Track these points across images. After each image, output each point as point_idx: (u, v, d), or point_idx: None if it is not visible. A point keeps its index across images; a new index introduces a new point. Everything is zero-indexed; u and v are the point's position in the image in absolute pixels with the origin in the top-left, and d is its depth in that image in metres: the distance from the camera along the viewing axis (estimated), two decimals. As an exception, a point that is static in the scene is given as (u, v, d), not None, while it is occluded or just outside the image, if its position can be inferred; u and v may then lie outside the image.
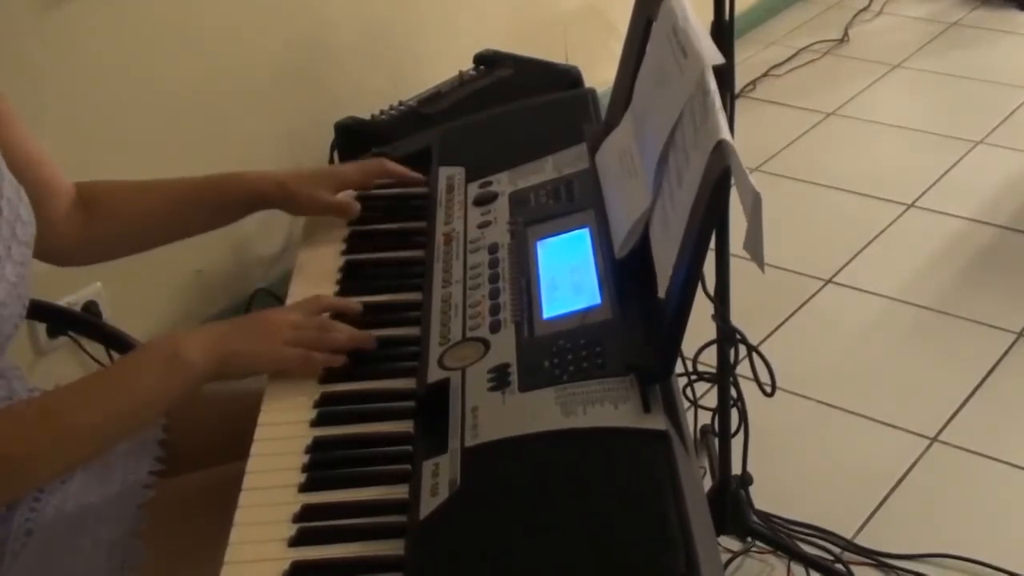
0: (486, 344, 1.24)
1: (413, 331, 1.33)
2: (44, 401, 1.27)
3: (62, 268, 1.56)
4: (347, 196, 1.59)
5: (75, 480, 1.31)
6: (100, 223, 1.50)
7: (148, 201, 1.54)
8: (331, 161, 2.71)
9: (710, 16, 1.77)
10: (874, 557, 2.11)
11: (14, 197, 1.32)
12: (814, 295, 2.86)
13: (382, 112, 2.72)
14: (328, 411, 1.25)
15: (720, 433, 2.04)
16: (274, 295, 2.70)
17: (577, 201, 1.43)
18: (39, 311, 1.76)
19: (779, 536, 2.11)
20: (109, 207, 1.51)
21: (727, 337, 1.92)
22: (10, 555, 1.23)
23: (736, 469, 2.06)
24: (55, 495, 1.29)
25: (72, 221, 1.49)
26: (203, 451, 1.42)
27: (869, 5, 4.40)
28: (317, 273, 1.49)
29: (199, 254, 2.59)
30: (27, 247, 1.33)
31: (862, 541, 2.15)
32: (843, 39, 4.18)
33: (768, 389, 1.87)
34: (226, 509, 1.13)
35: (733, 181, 1.08)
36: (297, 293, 1.46)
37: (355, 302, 1.39)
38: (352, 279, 1.47)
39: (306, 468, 1.17)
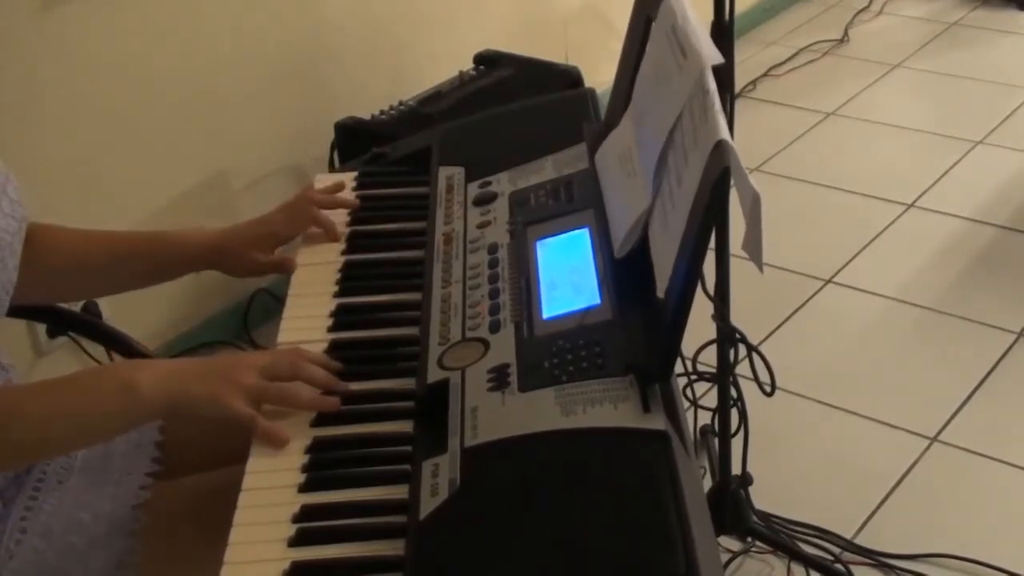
0: (486, 344, 1.24)
1: (413, 331, 1.33)
2: (3, 389, 1.30)
3: None
4: (346, 195, 1.60)
5: (72, 480, 1.31)
6: (35, 265, 1.43)
7: (86, 252, 1.49)
8: (331, 161, 2.71)
9: (710, 16, 1.77)
10: (874, 557, 2.11)
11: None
12: (814, 295, 2.86)
13: (382, 112, 2.72)
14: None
15: (720, 433, 2.04)
16: (274, 295, 2.70)
17: (577, 201, 1.43)
18: (39, 311, 1.76)
19: (779, 536, 2.11)
20: (46, 251, 1.45)
21: (727, 337, 1.92)
22: (5, 553, 1.23)
23: (736, 469, 2.06)
24: (51, 495, 1.29)
25: None
26: (201, 454, 1.41)
27: (869, 5, 4.40)
28: (317, 274, 1.49)
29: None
30: (18, 204, 1.35)
31: (862, 541, 2.15)
32: (843, 39, 4.18)
33: (768, 389, 1.87)
34: (224, 512, 1.13)
35: (732, 181, 1.08)
36: (297, 293, 1.46)
37: (336, 364, 1.29)
38: (352, 279, 1.47)
39: (306, 468, 1.17)
